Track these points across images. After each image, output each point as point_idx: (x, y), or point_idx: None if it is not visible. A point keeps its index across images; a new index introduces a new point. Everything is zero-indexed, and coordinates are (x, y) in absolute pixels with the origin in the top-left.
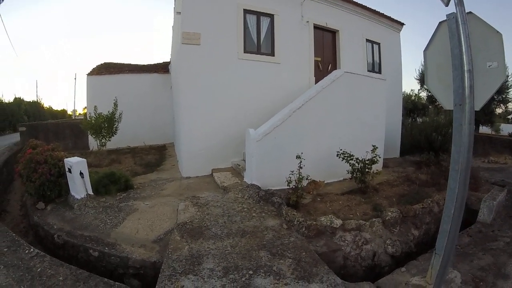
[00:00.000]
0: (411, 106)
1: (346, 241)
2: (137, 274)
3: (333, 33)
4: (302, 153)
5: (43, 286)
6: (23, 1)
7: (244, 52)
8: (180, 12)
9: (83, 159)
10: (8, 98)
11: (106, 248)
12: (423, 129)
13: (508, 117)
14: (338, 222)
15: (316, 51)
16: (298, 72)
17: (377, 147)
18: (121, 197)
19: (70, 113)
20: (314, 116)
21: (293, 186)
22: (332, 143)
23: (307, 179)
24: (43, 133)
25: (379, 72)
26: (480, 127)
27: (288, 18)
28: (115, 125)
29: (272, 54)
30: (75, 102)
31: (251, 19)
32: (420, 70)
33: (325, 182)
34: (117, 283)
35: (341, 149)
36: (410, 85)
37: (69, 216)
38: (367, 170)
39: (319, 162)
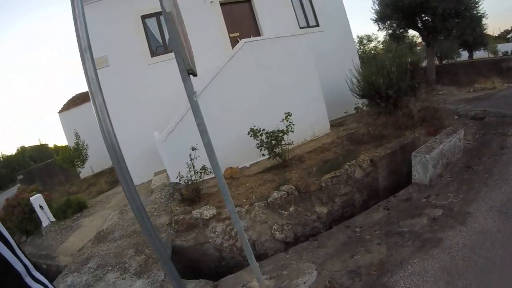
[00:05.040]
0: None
1: (216, 232)
2: None
3: (248, 2)
4: (197, 144)
5: None
6: None
7: (152, 57)
8: None
9: (39, 195)
10: (11, 150)
11: (49, 260)
12: (367, 75)
13: (508, 36)
14: (208, 213)
15: (232, 27)
16: (212, 55)
17: (290, 114)
18: (75, 217)
19: None
20: (219, 98)
21: (185, 181)
22: (248, 121)
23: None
24: (38, 176)
25: (317, 25)
26: (474, 53)
27: (186, 6)
28: (83, 153)
29: None
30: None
31: (152, 23)
32: (377, 7)
33: (252, 162)
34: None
35: (254, 125)
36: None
37: (38, 242)
38: (274, 142)
39: (235, 144)
